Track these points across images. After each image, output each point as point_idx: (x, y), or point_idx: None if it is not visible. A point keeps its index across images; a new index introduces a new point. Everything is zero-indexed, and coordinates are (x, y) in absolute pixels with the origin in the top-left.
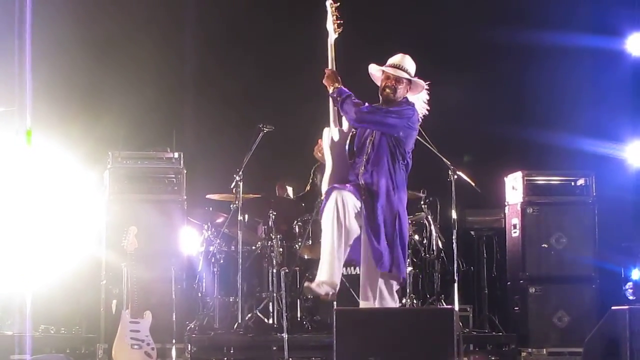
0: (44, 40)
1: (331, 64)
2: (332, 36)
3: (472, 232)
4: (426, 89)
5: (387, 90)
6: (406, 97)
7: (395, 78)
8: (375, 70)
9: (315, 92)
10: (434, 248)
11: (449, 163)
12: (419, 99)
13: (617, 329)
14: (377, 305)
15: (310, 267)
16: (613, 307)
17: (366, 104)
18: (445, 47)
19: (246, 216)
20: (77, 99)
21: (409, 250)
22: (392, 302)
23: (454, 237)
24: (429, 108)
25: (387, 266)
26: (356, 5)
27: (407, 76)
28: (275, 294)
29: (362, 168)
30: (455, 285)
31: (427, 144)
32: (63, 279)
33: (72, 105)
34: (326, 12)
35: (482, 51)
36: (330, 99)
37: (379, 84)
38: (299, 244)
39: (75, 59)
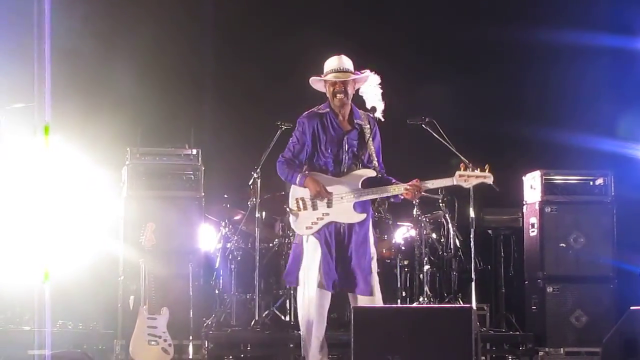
0: (63, 37)
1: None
2: None
3: (490, 231)
4: (372, 76)
5: (339, 95)
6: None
7: (341, 81)
8: (316, 82)
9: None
10: (452, 247)
11: (467, 162)
12: (370, 86)
13: (636, 329)
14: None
15: None
16: (632, 308)
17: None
18: (464, 46)
19: (263, 213)
20: (95, 95)
21: (426, 249)
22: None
23: (471, 236)
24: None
25: None
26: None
27: (352, 77)
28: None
29: None
30: (473, 284)
31: (445, 143)
32: (81, 275)
33: (91, 102)
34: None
35: (501, 50)
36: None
37: (326, 92)
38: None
39: (93, 56)
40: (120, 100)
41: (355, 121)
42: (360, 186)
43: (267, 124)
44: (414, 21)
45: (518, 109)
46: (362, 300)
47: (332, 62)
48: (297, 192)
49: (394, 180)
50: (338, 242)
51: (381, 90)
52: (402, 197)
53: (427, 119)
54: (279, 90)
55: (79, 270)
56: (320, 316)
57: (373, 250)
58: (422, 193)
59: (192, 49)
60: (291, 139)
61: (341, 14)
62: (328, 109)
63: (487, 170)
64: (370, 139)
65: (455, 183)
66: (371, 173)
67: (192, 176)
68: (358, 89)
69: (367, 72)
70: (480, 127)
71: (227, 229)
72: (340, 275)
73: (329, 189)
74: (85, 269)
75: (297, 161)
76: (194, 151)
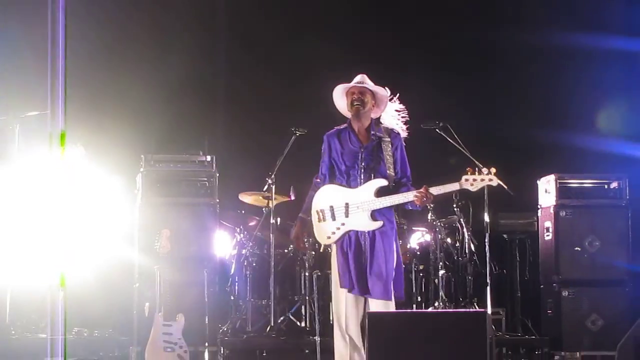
0: (77, 45)
1: None
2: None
3: (505, 235)
4: (394, 100)
5: (356, 104)
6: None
7: (359, 90)
8: (339, 98)
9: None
10: (467, 251)
11: (482, 166)
12: (388, 113)
13: None
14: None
15: None
16: None
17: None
18: (478, 51)
19: (278, 219)
20: (110, 103)
21: (442, 253)
22: None
23: (486, 240)
24: (404, 121)
25: None
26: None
27: (369, 86)
28: (307, 297)
29: None
30: (488, 288)
31: (460, 147)
32: (96, 282)
33: (106, 110)
34: None
35: (515, 54)
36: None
37: (345, 113)
38: (329, 247)
39: (108, 64)
40: (135, 107)
41: (373, 133)
42: (374, 195)
43: (282, 129)
44: (427, 25)
45: (532, 112)
46: (380, 305)
47: (355, 79)
48: (317, 205)
49: (404, 189)
50: (358, 249)
51: (400, 117)
52: (418, 204)
53: (441, 124)
54: (293, 96)
55: (95, 277)
56: (345, 315)
57: (396, 256)
58: (432, 199)
59: (205, 55)
60: (321, 159)
61: (353, 19)
62: (347, 125)
63: (492, 173)
64: (390, 150)
65: (461, 187)
66: (383, 182)
67: (206, 182)
68: (379, 117)
69: (387, 90)
70: (494, 131)
71: (242, 235)
72: (360, 281)
73: (346, 199)
74: (101, 276)
75: (322, 182)
76: (208, 158)
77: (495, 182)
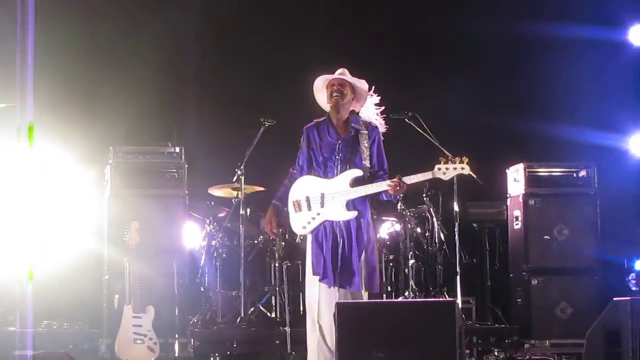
0: (46, 36)
1: None
2: None
3: (475, 225)
4: (373, 95)
5: (335, 95)
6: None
7: (339, 82)
8: (319, 91)
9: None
10: (436, 241)
11: (451, 155)
12: (367, 107)
13: (619, 320)
14: None
15: None
16: (615, 299)
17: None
18: (446, 41)
19: (248, 210)
20: (78, 95)
21: (411, 243)
22: None
23: (456, 230)
24: (380, 113)
25: None
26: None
27: (349, 79)
28: (277, 288)
29: None
30: (458, 277)
31: (428, 137)
32: (66, 275)
33: (74, 101)
34: None
35: (483, 43)
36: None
37: (325, 106)
38: (301, 237)
39: (76, 55)
40: (104, 99)
41: (352, 125)
42: (349, 186)
43: (251, 120)
44: (395, 16)
45: (500, 102)
46: (356, 296)
47: (335, 72)
48: (294, 195)
49: (379, 180)
50: (333, 239)
51: (379, 112)
52: (392, 194)
53: (410, 114)
54: (262, 87)
55: (64, 270)
56: (317, 304)
57: (370, 248)
58: (406, 188)
59: (174, 47)
60: (299, 150)
61: (325, 11)
62: (325, 117)
63: (465, 162)
64: (367, 142)
65: (434, 176)
66: (358, 173)
67: (175, 174)
68: (358, 112)
69: (366, 86)
70: (463, 120)
71: (211, 226)
72: (334, 271)
73: (321, 190)
74: (70, 269)
75: (299, 173)
76: (177, 149)
77: (467, 170)
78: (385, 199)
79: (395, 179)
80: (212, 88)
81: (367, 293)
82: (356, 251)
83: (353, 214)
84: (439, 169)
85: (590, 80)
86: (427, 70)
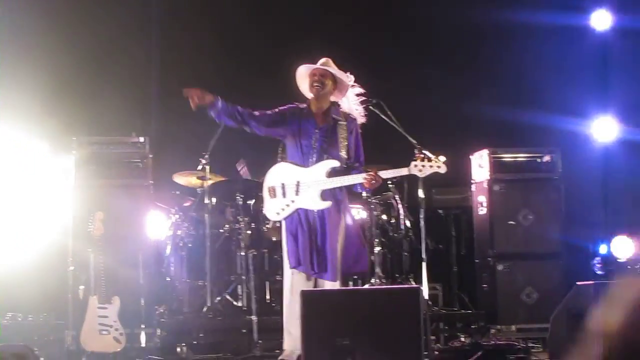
0: (8, 25)
1: None
2: None
3: (440, 211)
4: (355, 85)
5: (316, 85)
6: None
7: (320, 73)
8: (301, 79)
9: (281, 72)
10: (402, 228)
11: (415, 142)
12: (349, 98)
13: (582, 304)
14: None
15: (278, 249)
16: (578, 283)
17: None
18: (412, 27)
19: (214, 199)
20: (41, 85)
21: (377, 230)
22: None
23: (421, 216)
24: (361, 103)
25: None
26: None
27: (331, 69)
28: (243, 277)
29: None
30: (424, 264)
31: (392, 123)
32: (30, 266)
33: (37, 92)
34: None
35: (446, 29)
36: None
37: (307, 93)
38: (267, 226)
39: (39, 44)
40: (66, 89)
41: (332, 116)
42: (325, 175)
43: None
44: (359, 2)
45: (465, 88)
46: (327, 285)
47: (318, 62)
48: (269, 182)
49: (355, 172)
50: (307, 228)
51: (360, 103)
52: (367, 187)
53: (374, 101)
54: (226, 76)
55: (28, 262)
56: (291, 293)
57: (345, 235)
58: (381, 182)
59: (137, 35)
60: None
61: None
62: (306, 105)
63: (442, 162)
64: (345, 133)
65: (409, 172)
66: (335, 163)
67: (140, 164)
68: (339, 105)
69: (347, 78)
70: (427, 106)
71: (177, 216)
72: (308, 259)
73: (297, 178)
74: (35, 260)
75: (252, 112)
76: (141, 139)
77: (444, 169)
78: (360, 190)
79: (371, 173)
80: (176, 77)
81: (340, 282)
82: (330, 241)
83: (327, 203)
84: (415, 165)
85: (554, 65)
86: (392, 57)
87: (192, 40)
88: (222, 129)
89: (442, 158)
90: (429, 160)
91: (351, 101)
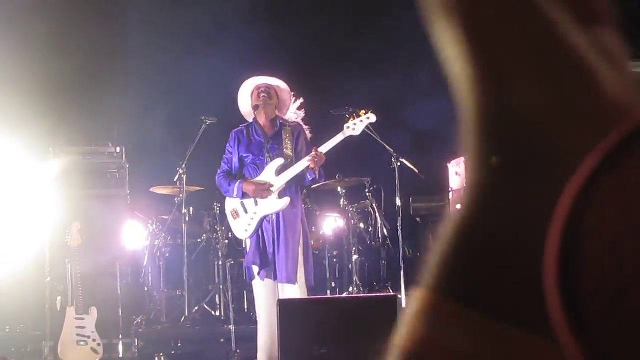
0: None
1: None
2: None
3: (418, 219)
4: (295, 99)
5: (262, 95)
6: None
7: (266, 86)
8: (243, 97)
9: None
10: (380, 236)
11: (392, 150)
12: (290, 111)
13: None
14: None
15: None
16: None
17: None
18: (382, 32)
19: (191, 209)
20: (16, 95)
21: (355, 239)
22: None
23: (399, 224)
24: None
25: None
26: None
27: (274, 83)
28: (221, 286)
29: None
30: (402, 272)
31: (369, 132)
32: (7, 278)
33: (14, 102)
34: None
35: (421, 33)
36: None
37: (247, 115)
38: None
39: (15, 54)
40: (42, 99)
41: (278, 122)
42: (275, 175)
43: (192, 119)
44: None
45: (447, 97)
46: (287, 289)
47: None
48: (229, 206)
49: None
50: (268, 234)
51: (299, 113)
52: (313, 167)
53: (350, 110)
54: (203, 85)
55: (5, 273)
56: (260, 307)
57: (301, 237)
58: (324, 158)
59: (113, 44)
60: (224, 154)
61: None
62: (252, 121)
63: (370, 112)
64: (292, 137)
65: (346, 136)
66: (280, 161)
67: (116, 174)
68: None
69: (291, 95)
70: (404, 114)
71: (154, 225)
72: (267, 264)
73: None
74: (11, 271)
75: (233, 172)
76: (118, 149)
77: (374, 118)
78: (311, 178)
79: (312, 152)
80: (153, 87)
81: (303, 286)
82: (288, 244)
83: (286, 200)
84: (348, 127)
85: None
86: (365, 63)
87: (169, 49)
88: (199, 138)
89: (370, 110)
90: (359, 116)
91: (292, 113)
